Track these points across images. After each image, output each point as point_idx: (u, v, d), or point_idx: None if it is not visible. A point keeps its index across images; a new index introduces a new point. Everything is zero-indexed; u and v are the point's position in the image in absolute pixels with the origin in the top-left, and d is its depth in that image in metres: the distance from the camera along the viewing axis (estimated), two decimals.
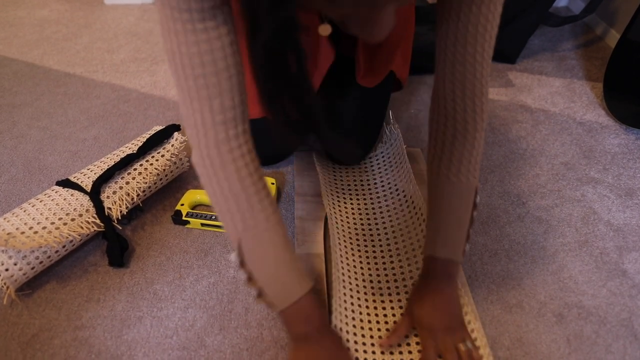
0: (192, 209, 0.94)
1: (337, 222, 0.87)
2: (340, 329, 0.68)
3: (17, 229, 0.77)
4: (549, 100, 1.28)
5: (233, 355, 0.72)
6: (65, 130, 1.19)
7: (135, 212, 0.93)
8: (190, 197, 0.93)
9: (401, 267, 0.81)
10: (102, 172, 0.87)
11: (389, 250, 0.84)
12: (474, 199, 0.67)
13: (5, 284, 0.77)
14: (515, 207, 0.95)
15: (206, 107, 0.52)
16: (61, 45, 1.62)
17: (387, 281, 0.79)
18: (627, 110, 1.17)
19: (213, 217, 0.89)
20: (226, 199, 0.56)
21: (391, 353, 0.68)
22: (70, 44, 1.63)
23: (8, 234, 0.76)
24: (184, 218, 0.90)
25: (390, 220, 0.89)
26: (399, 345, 0.69)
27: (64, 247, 0.81)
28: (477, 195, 0.68)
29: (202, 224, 0.90)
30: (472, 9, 0.54)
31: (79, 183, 0.85)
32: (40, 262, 0.78)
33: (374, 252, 0.84)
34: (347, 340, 0.67)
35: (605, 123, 1.19)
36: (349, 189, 0.96)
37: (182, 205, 0.92)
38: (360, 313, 0.73)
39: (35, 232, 0.77)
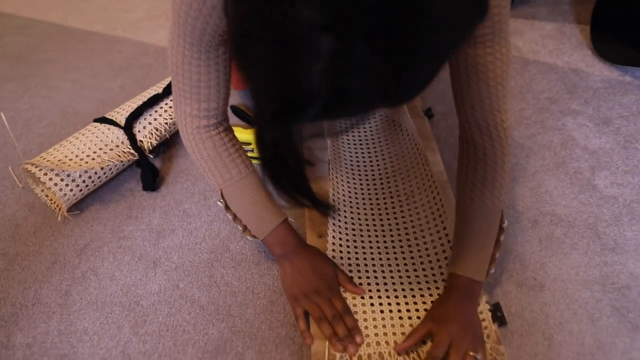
0: None
1: (338, 152, 0.98)
2: (339, 239, 0.80)
3: (65, 156, 0.90)
4: (540, 42, 1.36)
5: (253, 256, 0.85)
6: (93, 81, 1.31)
7: (163, 147, 1.06)
8: (188, 144, 1.02)
9: (396, 186, 0.93)
10: (132, 110, 0.99)
11: (386, 171, 0.95)
12: (500, 222, 0.71)
13: (58, 204, 0.90)
14: None
15: (195, 105, 0.68)
16: (80, 7, 1.72)
17: (384, 198, 0.91)
18: (611, 49, 1.25)
19: None
20: (207, 162, 0.73)
21: (381, 312, 0.73)
22: (88, 4, 1.73)
23: (59, 160, 0.89)
24: None
25: (388, 147, 1.00)
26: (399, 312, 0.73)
27: (104, 173, 0.94)
28: (503, 219, 0.71)
29: None
30: (477, 51, 0.60)
31: (114, 120, 0.97)
32: (86, 186, 0.91)
33: (372, 171, 0.96)
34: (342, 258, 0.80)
35: (590, 62, 1.27)
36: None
37: None
38: (360, 226, 0.85)
39: (81, 159, 0.90)
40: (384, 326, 0.70)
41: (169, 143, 1.07)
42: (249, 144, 0.94)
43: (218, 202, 0.76)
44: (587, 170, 0.98)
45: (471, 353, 0.63)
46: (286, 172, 0.53)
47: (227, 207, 0.76)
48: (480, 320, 0.70)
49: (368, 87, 0.36)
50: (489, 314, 0.71)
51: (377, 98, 0.38)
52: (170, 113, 1.01)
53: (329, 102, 0.36)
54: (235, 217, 0.76)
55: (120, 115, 0.99)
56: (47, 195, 0.93)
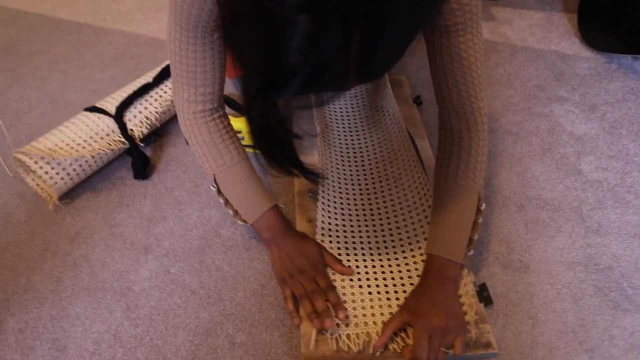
0: None
1: (327, 139, 0.99)
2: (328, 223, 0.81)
3: (56, 145, 0.90)
4: (528, 31, 1.37)
5: (244, 242, 0.86)
6: (83, 72, 1.31)
7: (153, 136, 1.06)
8: (185, 129, 1.03)
9: (385, 170, 0.94)
10: (123, 99, 0.99)
11: (375, 156, 0.97)
12: (477, 204, 0.72)
13: (49, 192, 0.91)
14: (489, 122, 1.07)
15: (192, 90, 0.71)
16: None
17: (373, 182, 0.92)
18: (598, 37, 1.27)
19: None
20: (201, 147, 0.76)
21: (369, 293, 0.74)
22: None
23: (49, 148, 0.89)
24: None
25: (377, 133, 1.01)
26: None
27: (95, 162, 0.94)
28: (481, 202, 0.72)
29: None
30: (451, 40, 0.65)
31: (104, 109, 0.98)
32: (77, 174, 0.92)
33: (362, 156, 0.97)
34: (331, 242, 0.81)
35: (577, 50, 1.29)
36: (338, 111, 1.08)
37: None
38: (349, 208, 0.87)
39: (72, 148, 0.90)
40: (371, 307, 0.72)
41: (160, 132, 1.08)
42: (239, 132, 0.95)
43: (211, 187, 0.77)
44: (572, 156, 1.00)
45: (443, 349, 0.63)
46: (275, 142, 0.57)
47: (219, 192, 0.78)
48: (459, 303, 0.69)
49: (341, 63, 0.40)
50: (474, 292, 0.72)
51: (351, 73, 0.41)
52: (161, 102, 1.02)
53: (307, 76, 0.40)
54: (227, 202, 0.78)
55: (111, 104, 0.99)
56: (38, 184, 0.94)
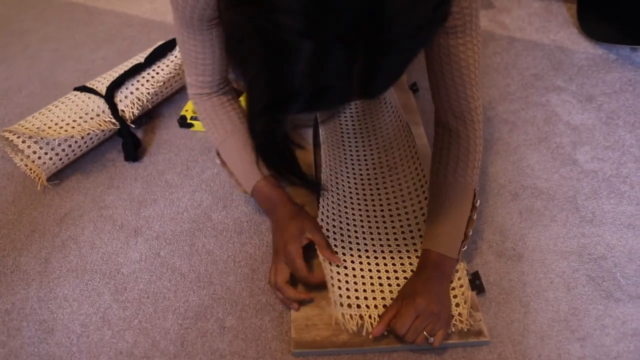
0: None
1: (326, 128, 0.98)
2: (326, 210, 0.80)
3: (44, 124, 0.88)
4: (526, 20, 1.36)
5: (235, 225, 0.85)
6: (74, 52, 1.28)
7: (145, 118, 1.04)
8: (192, 105, 1.03)
9: (380, 158, 0.93)
10: (114, 79, 0.97)
11: (370, 144, 0.96)
12: (473, 200, 0.72)
13: (37, 173, 0.89)
14: (485, 111, 1.06)
15: (193, 77, 0.76)
16: None
17: (368, 170, 0.91)
18: (597, 27, 1.25)
19: None
20: (205, 122, 0.80)
21: (362, 277, 0.74)
22: None
23: (38, 128, 0.87)
24: (188, 121, 1.01)
25: (372, 121, 1.00)
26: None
27: (84, 142, 0.92)
28: (476, 198, 0.72)
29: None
30: (449, 41, 0.65)
31: (94, 88, 0.96)
32: (66, 155, 0.90)
33: (356, 144, 0.95)
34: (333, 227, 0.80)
35: (576, 40, 1.28)
36: None
37: (187, 111, 1.03)
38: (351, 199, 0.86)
39: (61, 127, 0.88)
40: (364, 291, 0.71)
41: (152, 114, 1.06)
42: None
43: (216, 160, 0.81)
44: (568, 145, 0.99)
45: (425, 333, 0.63)
46: (278, 155, 0.59)
47: (223, 163, 0.81)
48: (450, 300, 0.69)
49: (344, 85, 0.41)
50: (467, 282, 0.72)
51: (353, 93, 0.43)
52: (153, 83, 1.00)
53: (310, 98, 0.41)
54: (231, 173, 0.81)
55: (101, 84, 0.97)
56: (26, 165, 0.92)
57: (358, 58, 0.39)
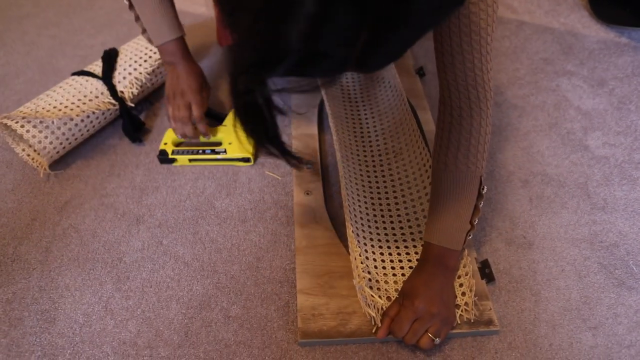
0: (176, 146, 0.92)
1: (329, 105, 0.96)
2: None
3: (43, 108, 0.86)
4: (535, 3, 1.32)
5: (239, 214, 0.83)
6: (73, 38, 1.26)
7: (147, 103, 1.02)
8: (172, 136, 0.92)
9: (385, 143, 0.91)
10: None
11: (375, 129, 0.93)
12: (479, 188, 0.67)
13: (39, 161, 0.88)
14: (494, 96, 1.04)
15: None
16: None
17: (372, 155, 0.89)
18: (608, 10, 1.22)
19: (200, 152, 0.89)
20: None
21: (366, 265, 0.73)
22: None
23: (37, 112, 0.85)
24: (170, 157, 0.90)
25: (377, 105, 0.98)
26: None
27: (85, 126, 0.90)
28: (482, 185, 0.67)
29: (190, 160, 0.90)
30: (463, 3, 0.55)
31: (92, 72, 0.94)
32: (67, 139, 0.88)
33: (361, 129, 0.93)
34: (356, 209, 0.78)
35: (587, 23, 1.24)
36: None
37: (166, 144, 0.91)
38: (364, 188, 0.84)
39: (59, 110, 0.87)
40: (369, 280, 0.70)
41: (153, 99, 1.04)
42: (220, 143, 0.90)
43: (124, 0, 0.82)
44: (579, 131, 0.97)
45: (430, 334, 0.61)
46: (258, 119, 0.51)
47: (130, 6, 0.82)
48: (454, 294, 0.67)
49: (342, 53, 0.37)
50: (473, 270, 0.70)
51: (350, 63, 0.39)
52: (151, 63, 0.97)
53: (303, 61, 0.37)
54: (137, 18, 0.84)
55: (99, 67, 0.95)
56: (28, 155, 0.90)
57: (365, 27, 0.35)
